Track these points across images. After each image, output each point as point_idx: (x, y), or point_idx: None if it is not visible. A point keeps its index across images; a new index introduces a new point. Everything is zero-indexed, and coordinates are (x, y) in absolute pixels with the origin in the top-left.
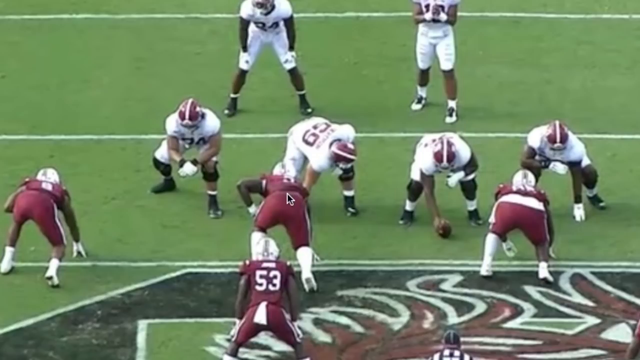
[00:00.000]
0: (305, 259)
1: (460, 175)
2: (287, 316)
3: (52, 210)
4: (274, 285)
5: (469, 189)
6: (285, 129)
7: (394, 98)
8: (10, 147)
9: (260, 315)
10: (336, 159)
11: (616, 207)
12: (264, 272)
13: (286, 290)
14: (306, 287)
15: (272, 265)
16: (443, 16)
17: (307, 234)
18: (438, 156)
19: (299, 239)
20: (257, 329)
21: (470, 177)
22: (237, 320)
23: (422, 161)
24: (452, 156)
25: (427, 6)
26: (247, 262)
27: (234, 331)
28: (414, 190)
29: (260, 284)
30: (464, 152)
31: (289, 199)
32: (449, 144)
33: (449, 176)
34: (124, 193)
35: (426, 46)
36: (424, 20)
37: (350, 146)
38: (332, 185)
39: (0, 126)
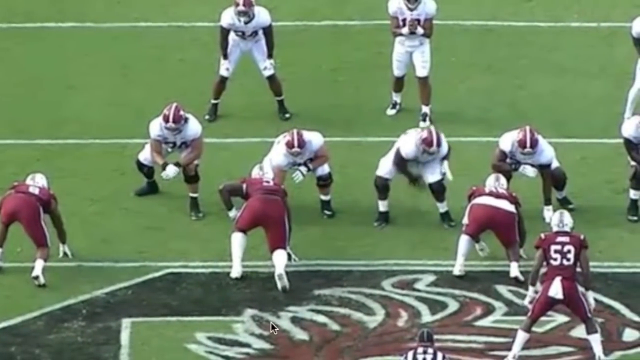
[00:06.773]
0: (279, 260)
1: (446, 163)
2: (581, 289)
3: (38, 213)
4: (568, 260)
5: (438, 191)
6: (264, 134)
7: (370, 103)
8: None
9: (556, 289)
10: (288, 146)
11: (585, 208)
12: (559, 247)
13: (579, 262)
14: (278, 284)
15: (567, 239)
16: (420, 30)
17: (284, 237)
18: (427, 141)
19: (276, 241)
20: (552, 302)
21: (444, 171)
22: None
23: (405, 147)
24: (440, 141)
25: (404, 20)
26: (543, 236)
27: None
28: (379, 186)
29: (555, 259)
30: (445, 142)
31: (272, 202)
32: (436, 131)
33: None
34: (109, 196)
35: (402, 54)
36: (401, 34)
37: (298, 137)
38: (311, 187)
39: None
